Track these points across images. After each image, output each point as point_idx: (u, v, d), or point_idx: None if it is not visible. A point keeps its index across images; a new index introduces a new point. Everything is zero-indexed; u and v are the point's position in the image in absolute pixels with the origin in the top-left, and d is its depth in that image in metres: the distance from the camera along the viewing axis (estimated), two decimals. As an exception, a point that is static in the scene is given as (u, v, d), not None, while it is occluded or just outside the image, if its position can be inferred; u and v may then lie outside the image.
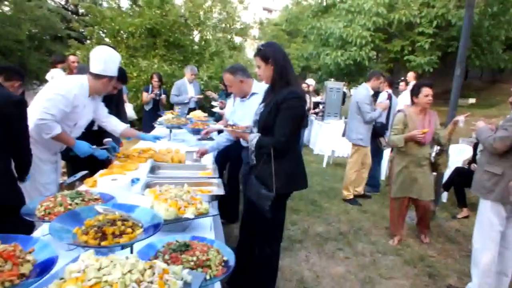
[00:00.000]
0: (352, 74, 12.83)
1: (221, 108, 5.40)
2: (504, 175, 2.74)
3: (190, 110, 6.32)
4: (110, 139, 3.27)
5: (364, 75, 12.96)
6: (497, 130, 2.83)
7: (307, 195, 5.27)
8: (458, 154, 5.62)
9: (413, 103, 3.83)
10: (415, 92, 3.73)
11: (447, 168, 3.94)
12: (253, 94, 3.05)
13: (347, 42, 11.77)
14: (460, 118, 3.59)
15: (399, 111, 3.97)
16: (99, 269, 1.06)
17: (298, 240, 3.87)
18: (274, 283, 2.63)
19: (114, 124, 3.19)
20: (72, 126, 2.77)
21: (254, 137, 2.32)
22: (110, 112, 3.30)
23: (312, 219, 4.49)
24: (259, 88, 2.91)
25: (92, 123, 3.15)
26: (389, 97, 5.79)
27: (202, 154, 3.23)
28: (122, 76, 3.25)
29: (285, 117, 2.23)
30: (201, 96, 6.93)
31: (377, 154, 5.65)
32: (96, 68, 2.69)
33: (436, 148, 3.87)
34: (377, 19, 11.28)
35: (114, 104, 3.53)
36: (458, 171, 4.93)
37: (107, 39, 11.25)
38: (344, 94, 10.23)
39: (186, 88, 6.57)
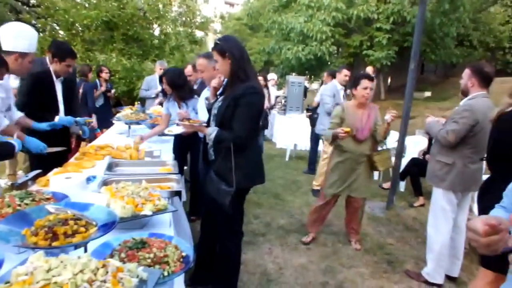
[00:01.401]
0: (313, 68, 13.07)
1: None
2: (454, 164, 2.90)
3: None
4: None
5: (324, 70, 13.26)
6: (446, 123, 2.99)
7: (270, 189, 5.33)
8: (414, 145, 5.88)
9: (352, 95, 3.62)
10: (354, 84, 3.50)
11: (386, 167, 3.69)
12: None
13: (308, 37, 11.95)
14: (387, 117, 3.36)
15: (337, 104, 3.77)
16: (48, 271, 1.02)
17: (261, 233, 3.90)
18: (237, 277, 2.65)
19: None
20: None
21: (212, 131, 2.29)
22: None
23: (275, 212, 4.54)
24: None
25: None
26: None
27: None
28: (63, 50, 3.16)
29: (243, 112, 2.23)
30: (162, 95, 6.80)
31: None
32: (6, 45, 2.60)
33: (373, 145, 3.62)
34: (337, 14, 11.53)
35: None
36: (413, 161, 5.17)
37: (61, 32, 10.76)
38: (306, 88, 10.38)
39: (156, 83, 6.42)
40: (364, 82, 3.38)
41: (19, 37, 2.63)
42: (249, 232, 3.84)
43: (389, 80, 16.12)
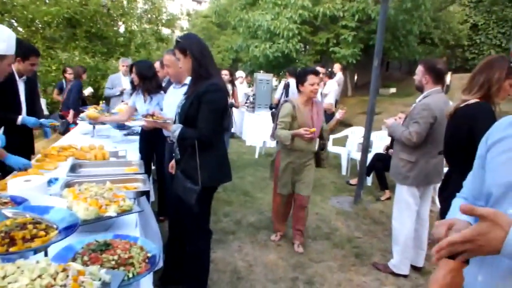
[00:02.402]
0: (281, 66, 13.17)
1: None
2: (417, 162, 2.99)
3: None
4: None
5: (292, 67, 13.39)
6: (405, 121, 3.08)
7: (240, 186, 5.34)
8: (380, 140, 6.05)
9: (299, 91, 3.41)
10: (300, 80, 3.32)
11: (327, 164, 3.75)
12: (185, 84, 3.03)
13: (275, 34, 12.04)
14: (337, 115, 3.49)
15: (285, 101, 3.51)
16: (3, 277, 0.99)
17: (231, 231, 3.91)
18: (207, 275, 2.64)
19: None
20: None
21: (177, 128, 2.28)
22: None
23: (245, 209, 4.56)
24: None
25: None
26: (286, 86, 6.43)
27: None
28: (25, 48, 3.07)
29: (207, 110, 2.22)
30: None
31: None
32: None
33: (319, 142, 3.53)
34: (303, 12, 11.67)
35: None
36: (377, 156, 5.32)
37: (20, 29, 10.29)
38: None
39: (120, 81, 6.28)
40: (311, 78, 3.24)
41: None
42: (219, 230, 3.84)
43: (355, 77, 16.50)
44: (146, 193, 2.51)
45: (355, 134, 6.65)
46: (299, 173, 3.50)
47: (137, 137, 3.90)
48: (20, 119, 3.05)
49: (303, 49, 13.61)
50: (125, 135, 4.00)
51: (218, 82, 2.28)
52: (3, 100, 3.01)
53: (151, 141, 3.67)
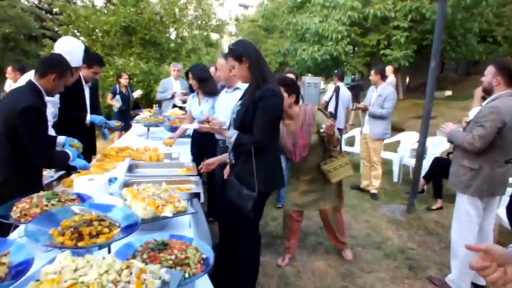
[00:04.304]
0: (329, 68, 12.95)
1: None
2: (481, 169, 2.73)
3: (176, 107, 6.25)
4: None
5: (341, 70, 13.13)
6: (468, 126, 2.84)
7: (288, 190, 5.30)
8: (435, 147, 5.76)
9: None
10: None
11: (342, 176, 3.04)
12: (237, 88, 3.09)
13: (323, 37, 11.86)
14: (322, 129, 2.78)
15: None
16: (75, 270, 1.05)
17: (279, 235, 3.89)
18: (256, 279, 2.65)
19: None
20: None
21: (233, 134, 2.28)
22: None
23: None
24: (244, 86, 2.92)
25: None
26: (336, 90, 6.25)
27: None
28: (91, 58, 3.38)
29: (263, 116, 2.20)
30: (184, 92, 6.90)
31: None
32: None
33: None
34: (352, 13, 11.41)
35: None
36: (437, 161, 4.95)
37: (82, 38, 11.03)
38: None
39: (172, 85, 6.52)
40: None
41: (73, 52, 2.78)
42: (266, 234, 3.84)
43: (407, 80, 15.86)
44: (197, 195, 2.57)
45: (407, 139, 6.39)
46: (307, 191, 3.13)
47: (189, 140, 4.01)
48: (88, 118, 3.32)
49: (351, 51, 13.30)
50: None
51: (274, 87, 2.26)
52: (73, 103, 3.27)
53: (202, 144, 3.76)
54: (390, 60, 11.29)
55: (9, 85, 6.17)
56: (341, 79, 6.61)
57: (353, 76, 13.99)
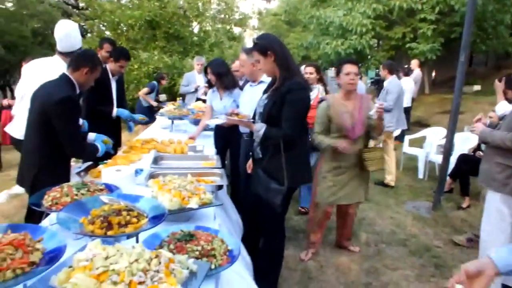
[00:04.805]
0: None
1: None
2: None
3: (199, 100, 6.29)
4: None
5: (365, 64, 12.89)
6: (503, 123, 2.69)
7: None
8: (463, 143, 5.58)
9: (338, 85, 3.14)
10: (337, 72, 3.04)
11: (378, 167, 3.16)
12: (261, 82, 3.09)
13: (347, 31, 11.66)
14: (372, 112, 2.95)
15: (321, 100, 3.11)
16: (106, 258, 1.07)
17: (302, 230, 3.88)
18: (279, 273, 2.65)
19: None
20: None
21: (261, 127, 2.25)
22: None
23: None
24: (269, 79, 2.90)
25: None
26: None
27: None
28: (118, 52, 3.50)
29: (291, 109, 2.19)
30: (207, 85, 6.94)
31: None
32: (66, 47, 2.89)
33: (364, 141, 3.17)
34: (377, 6, 11.17)
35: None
36: (463, 158, 4.79)
37: (107, 32, 11.24)
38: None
39: (195, 78, 6.58)
40: (347, 67, 2.93)
41: (73, 35, 2.85)
42: (290, 228, 3.83)
43: (433, 74, 15.43)
44: (222, 187, 2.57)
45: (434, 134, 6.22)
46: (345, 181, 3.10)
47: (211, 133, 4.03)
48: (115, 112, 3.38)
49: (376, 45, 13.03)
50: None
51: (301, 80, 2.25)
52: (99, 96, 3.34)
53: (226, 137, 3.77)
54: (416, 54, 10.99)
55: None
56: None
57: (377, 71, 13.73)
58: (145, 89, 7.44)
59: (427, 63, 11.92)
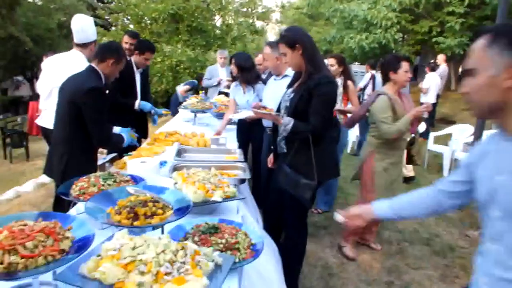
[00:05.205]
0: (377, 57, 12.50)
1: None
2: None
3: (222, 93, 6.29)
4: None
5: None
6: None
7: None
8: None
9: (388, 80, 3.04)
10: (392, 67, 2.97)
11: (422, 158, 3.34)
12: (285, 76, 3.07)
13: (372, 24, 11.43)
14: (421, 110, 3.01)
15: (378, 94, 3.09)
16: (133, 248, 1.08)
17: (323, 226, 3.85)
18: (300, 268, 2.64)
19: None
20: None
21: (289, 122, 2.21)
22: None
23: (337, 205, 4.44)
24: (292, 73, 2.88)
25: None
26: (372, 77, 6.33)
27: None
28: (143, 44, 3.56)
29: (319, 103, 2.16)
30: (230, 79, 6.94)
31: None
32: (82, 38, 2.99)
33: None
34: (403, -1, 10.88)
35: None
36: None
37: (131, 26, 11.38)
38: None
39: (218, 72, 6.59)
40: (406, 65, 2.94)
41: (86, 29, 2.97)
42: (311, 224, 3.78)
43: (460, 69, 14.98)
44: (244, 181, 2.57)
45: (460, 132, 6.05)
46: (396, 177, 3.09)
47: (234, 126, 4.03)
48: (137, 104, 3.41)
49: (401, 39, 12.71)
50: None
51: (328, 74, 2.24)
52: (123, 88, 3.38)
53: (248, 131, 3.76)
54: (443, 49, 10.66)
55: None
56: (373, 67, 6.91)
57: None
58: (186, 87, 7.51)
59: (454, 58, 11.55)
